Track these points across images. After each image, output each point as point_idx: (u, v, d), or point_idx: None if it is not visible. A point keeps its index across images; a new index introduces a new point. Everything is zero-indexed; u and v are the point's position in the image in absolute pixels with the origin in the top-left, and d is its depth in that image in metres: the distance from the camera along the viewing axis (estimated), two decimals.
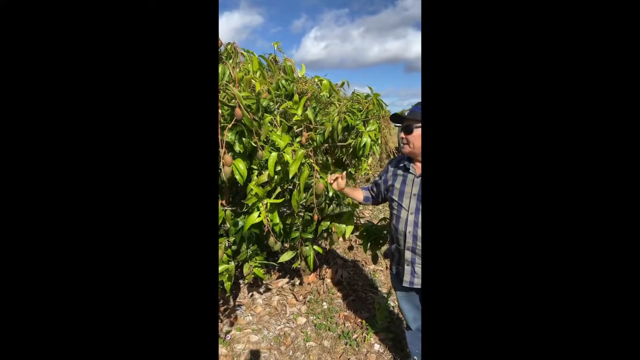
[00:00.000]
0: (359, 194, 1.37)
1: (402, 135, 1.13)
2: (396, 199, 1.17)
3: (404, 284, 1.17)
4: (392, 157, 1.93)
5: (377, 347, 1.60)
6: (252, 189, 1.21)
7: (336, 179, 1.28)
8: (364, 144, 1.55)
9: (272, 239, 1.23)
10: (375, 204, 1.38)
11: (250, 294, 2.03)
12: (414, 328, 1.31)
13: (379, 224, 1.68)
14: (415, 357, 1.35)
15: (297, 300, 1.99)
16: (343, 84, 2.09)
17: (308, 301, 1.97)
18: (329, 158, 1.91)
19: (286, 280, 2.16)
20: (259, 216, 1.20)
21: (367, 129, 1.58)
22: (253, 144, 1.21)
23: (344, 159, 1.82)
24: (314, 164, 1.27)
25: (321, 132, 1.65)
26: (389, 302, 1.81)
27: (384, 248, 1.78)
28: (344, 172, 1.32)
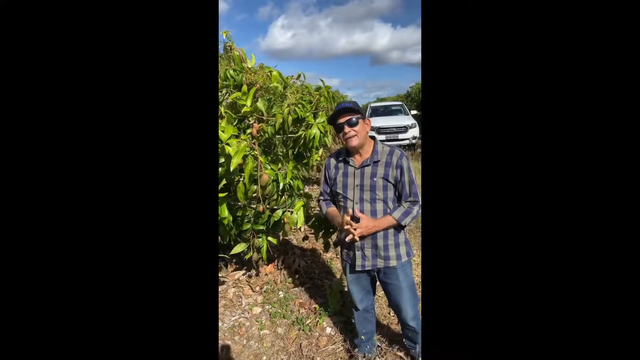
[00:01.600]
0: (338, 215, 1.28)
1: (347, 129, 1.15)
2: (341, 192, 1.22)
3: (357, 268, 1.24)
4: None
5: (328, 330, 1.67)
6: None
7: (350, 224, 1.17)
8: (313, 136, 1.58)
9: None
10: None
11: None
12: (361, 308, 1.39)
13: None
14: (362, 337, 1.44)
15: (253, 291, 2.01)
16: (299, 76, 2.10)
17: (264, 291, 2.00)
18: (289, 151, 1.92)
19: (243, 272, 2.17)
20: None
21: (317, 121, 1.62)
22: None
23: (296, 150, 1.83)
24: (258, 155, 1.27)
25: (272, 124, 1.66)
26: (341, 287, 1.89)
27: (334, 236, 1.85)
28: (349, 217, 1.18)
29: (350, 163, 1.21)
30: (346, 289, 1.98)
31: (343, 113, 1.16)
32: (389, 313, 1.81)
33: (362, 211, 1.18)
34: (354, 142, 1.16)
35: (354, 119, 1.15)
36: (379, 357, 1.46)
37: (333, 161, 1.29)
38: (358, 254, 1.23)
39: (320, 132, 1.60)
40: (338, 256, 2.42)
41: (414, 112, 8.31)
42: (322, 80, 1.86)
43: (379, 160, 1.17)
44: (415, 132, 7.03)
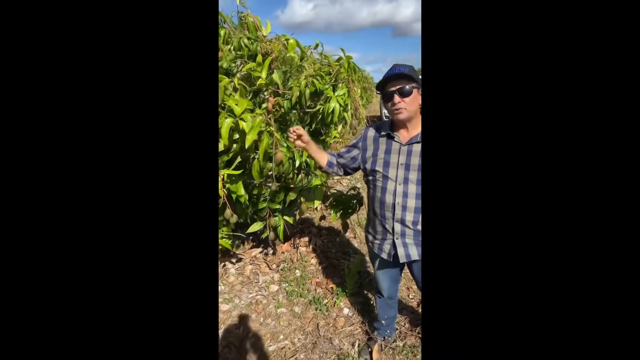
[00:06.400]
0: (323, 158, 1.21)
1: (397, 99, 0.98)
2: (380, 170, 1.06)
3: (401, 260, 1.09)
4: (362, 124, 1.86)
5: (346, 311, 1.65)
6: None
7: (297, 134, 1.09)
8: (332, 110, 1.47)
9: (227, 211, 1.18)
10: (339, 173, 1.24)
11: (223, 264, 2.03)
12: (385, 296, 1.33)
13: (349, 193, 1.66)
14: (383, 321, 1.40)
15: (270, 269, 2.01)
16: (317, 45, 1.95)
17: (281, 269, 1.99)
18: (305, 128, 1.82)
19: (260, 250, 2.16)
20: None
21: (336, 94, 1.50)
22: None
23: (313, 126, 1.73)
24: (274, 132, 1.19)
25: (289, 98, 1.55)
26: (359, 268, 1.85)
27: (353, 217, 1.78)
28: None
29: (395, 139, 1.03)
30: (365, 270, 1.94)
31: (396, 79, 0.97)
32: (408, 296, 1.76)
33: (406, 193, 1.03)
34: (402, 115, 0.98)
35: (407, 88, 0.96)
36: (399, 340, 1.42)
37: (373, 133, 1.10)
38: (398, 241, 1.07)
39: (340, 105, 1.48)
40: (354, 236, 2.37)
41: None
42: (342, 50, 1.71)
43: None
44: None
